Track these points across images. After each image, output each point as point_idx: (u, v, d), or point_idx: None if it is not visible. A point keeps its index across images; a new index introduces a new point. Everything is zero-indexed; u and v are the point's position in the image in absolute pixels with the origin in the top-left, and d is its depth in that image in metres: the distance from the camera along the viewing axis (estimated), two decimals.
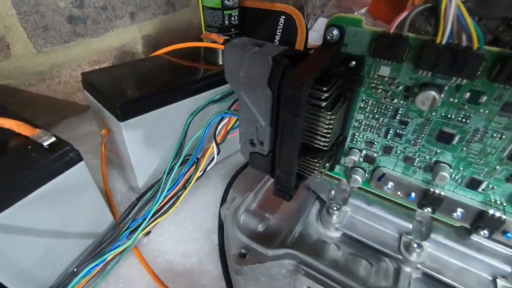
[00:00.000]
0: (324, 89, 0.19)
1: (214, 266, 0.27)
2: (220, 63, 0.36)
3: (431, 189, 0.22)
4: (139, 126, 0.27)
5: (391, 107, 0.21)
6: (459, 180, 0.22)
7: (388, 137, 0.23)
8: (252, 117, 0.22)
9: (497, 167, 0.20)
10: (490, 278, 0.22)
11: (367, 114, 0.23)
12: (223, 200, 0.32)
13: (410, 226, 0.25)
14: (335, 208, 0.26)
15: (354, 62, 0.21)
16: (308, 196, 0.30)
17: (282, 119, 0.19)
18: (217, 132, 0.27)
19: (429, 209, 0.23)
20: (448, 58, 0.17)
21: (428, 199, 0.22)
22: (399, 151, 0.23)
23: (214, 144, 0.27)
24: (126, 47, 0.48)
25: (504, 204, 0.21)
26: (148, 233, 0.28)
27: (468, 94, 0.18)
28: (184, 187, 0.28)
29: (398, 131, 0.22)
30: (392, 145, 0.23)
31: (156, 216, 0.26)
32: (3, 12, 0.33)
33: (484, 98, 0.18)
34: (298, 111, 0.18)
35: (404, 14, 0.17)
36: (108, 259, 0.24)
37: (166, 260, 0.27)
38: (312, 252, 0.25)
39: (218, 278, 0.26)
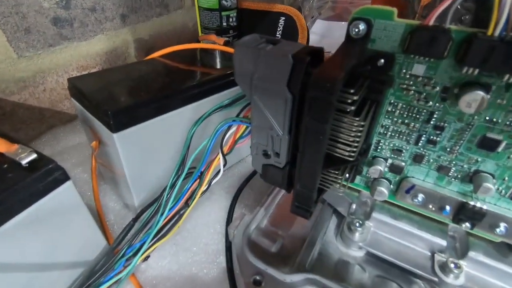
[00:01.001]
0: (351, 91, 0.16)
1: None
2: (219, 66, 0.33)
3: (470, 202, 0.20)
4: (135, 137, 0.24)
5: (425, 111, 0.19)
6: (503, 191, 0.19)
7: (420, 144, 0.20)
8: (267, 125, 0.19)
9: None
10: None
11: (395, 119, 0.20)
12: (229, 217, 0.29)
13: (443, 242, 0.22)
14: (357, 224, 0.24)
15: (382, 60, 0.18)
16: (324, 210, 0.27)
17: (306, 126, 0.17)
18: (223, 142, 0.24)
19: (467, 224, 0.20)
20: (503, 53, 0.14)
21: (466, 213, 0.20)
22: (431, 160, 0.20)
23: (220, 155, 0.24)
24: (117, 51, 0.44)
25: None
26: (147, 257, 0.25)
27: None
28: (186, 204, 0.25)
29: (432, 137, 0.20)
30: (423, 153, 0.20)
31: (156, 239, 0.23)
32: None
33: None
34: (326, 117, 0.16)
35: (447, 2, 0.15)
36: None
37: None
38: (334, 275, 0.22)
39: None
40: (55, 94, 0.39)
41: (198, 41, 0.40)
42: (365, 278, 0.22)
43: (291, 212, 0.21)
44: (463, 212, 0.20)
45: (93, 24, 0.40)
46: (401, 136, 0.21)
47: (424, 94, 0.18)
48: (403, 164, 0.22)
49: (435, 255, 0.22)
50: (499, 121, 0.17)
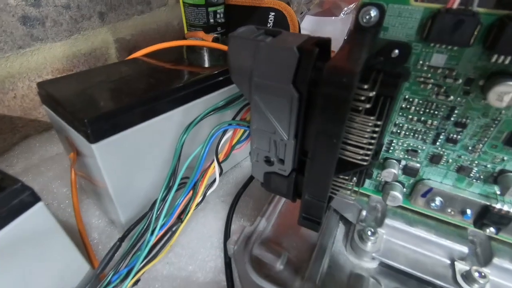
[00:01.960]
0: (365, 87, 0.14)
1: None
2: (209, 65, 0.30)
3: (494, 205, 0.18)
4: (117, 147, 0.21)
5: (445, 106, 0.17)
6: None
7: (438, 143, 0.18)
8: (269, 129, 0.17)
9: None
10: None
11: (410, 116, 0.18)
12: (227, 229, 0.27)
13: (463, 249, 0.20)
14: (369, 233, 0.21)
15: (397, 51, 0.16)
16: (329, 217, 0.25)
17: (318, 128, 0.14)
18: (219, 149, 0.21)
19: (492, 229, 0.18)
20: None
21: (492, 217, 0.18)
22: (451, 160, 0.19)
23: (215, 164, 0.21)
24: (97, 52, 0.41)
25: None
26: (136, 281, 0.22)
27: None
28: (179, 219, 0.22)
29: (452, 135, 0.18)
30: (442, 152, 0.19)
31: (146, 261, 0.21)
32: None
33: None
34: (342, 117, 0.13)
35: None
36: None
37: None
38: None
39: None
40: (27, 101, 0.35)
41: (184, 39, 0.37)
42: None
43: (299, 224, 0.19)
44: (487, 216, 0.18)
45: (68, 23, 0.36)
46: (416, 135, 0.19)
47: (445, 87, 0.16)
48: (418, 165, 0.20)
49: (456, 263, 0.20)
50: None
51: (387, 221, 0.22)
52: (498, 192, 0.18)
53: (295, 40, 0.15)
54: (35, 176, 0.32)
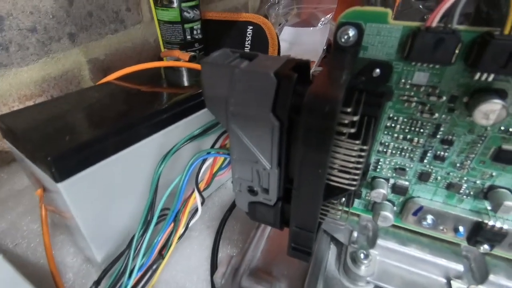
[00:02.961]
0: (348, 110, 0.13)
1: None
2: (186, 84, 0.29)
3: (486, 221, 0.17)
4: (87, 183, 0.19)
5: (430, 124, 0.16)
6: None
7: (425, 161, 0.18)
8: (251, 157, 0.16)
9: None
10: None
11: (396, 135, 0.18)
12: (213, 260, 0.25)
13: (458, 267, 0.20)
14: (362, 256, 0.21)
15: (378, 70, 0.16)
16: (320, 239, 0.24)
17: (302, 158, 0.13)
18: (199, 177, 0.20)
19: (486, 246, 0.18)
20: None
21: (485, 235, 0.17)
22: (439, 177, 0.18)
23: (196, 193, 0.20)
24: (68, 75, 0.39)
25: None
26: None
27: None
28: (160, 255, 0.21)
29: (439, 152, 0.17)
30: (430, 170, 0.18)
31: None
32: None
33: None
34: (326, 146, 0.13)
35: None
36: None
37: None
38: None
39: None
40: None
41: (160, 58, 0.36)
42: None
43: (288, 255, 0.18)
44: (480, 233, 0.18)
45: (35, 46, 0.34)
46: (403, 153, 0.18)
47: (429, 105, 0.16)
48: (407, 183, 0.19)
49: (452, 282, 0.19)
50: None
51: (380, 241, 0.21)
52: (489, 208, 0.18)
53: (272, 63, 0.14)
54: (3, 213, 0.29)
